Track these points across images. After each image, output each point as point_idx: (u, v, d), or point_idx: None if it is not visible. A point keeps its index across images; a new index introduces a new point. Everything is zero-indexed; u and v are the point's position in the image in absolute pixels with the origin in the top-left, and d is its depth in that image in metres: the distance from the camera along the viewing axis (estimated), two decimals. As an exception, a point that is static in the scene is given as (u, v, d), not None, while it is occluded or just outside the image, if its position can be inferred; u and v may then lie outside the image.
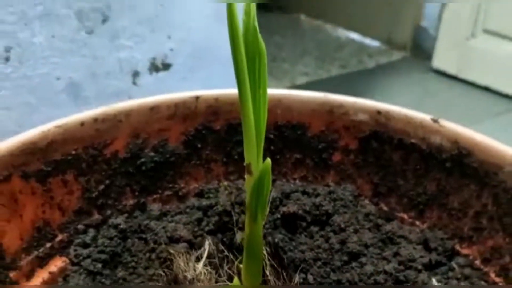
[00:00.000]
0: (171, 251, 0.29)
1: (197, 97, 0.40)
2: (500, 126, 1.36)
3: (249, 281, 0.24)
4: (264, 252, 0.29)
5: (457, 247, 0.35)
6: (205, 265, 0.26)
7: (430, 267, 0.33)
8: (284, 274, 0.30)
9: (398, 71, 1.74)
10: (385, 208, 0.40)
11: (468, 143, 0.34)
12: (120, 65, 0.57)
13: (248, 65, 0.18)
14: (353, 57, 1.89)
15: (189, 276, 0.24)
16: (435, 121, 0.36)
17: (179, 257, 0.26)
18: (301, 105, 0.41)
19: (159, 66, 0.60)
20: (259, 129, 0.20)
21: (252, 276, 0.24)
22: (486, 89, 1.56)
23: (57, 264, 0.35)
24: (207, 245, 0.27)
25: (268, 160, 0.19)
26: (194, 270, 0.24)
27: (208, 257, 0.27)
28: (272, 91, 0.41)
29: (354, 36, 2.13)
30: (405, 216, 0.39)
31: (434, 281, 0.32)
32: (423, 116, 0.36)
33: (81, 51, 0.53)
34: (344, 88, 1.56)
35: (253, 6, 0.18)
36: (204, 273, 0.25)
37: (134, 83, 0.59)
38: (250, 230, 0.23)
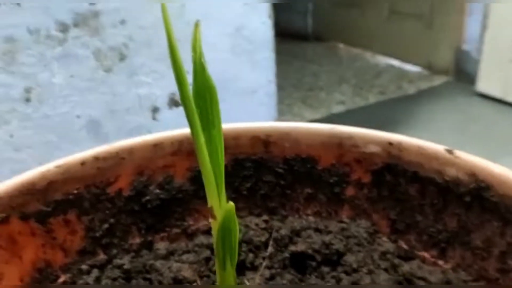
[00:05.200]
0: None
1: (202, 132, 0.39)
2: (553, 150, 1.27)
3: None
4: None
5: (482, 291, 0.32)
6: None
7: (451, 314, 0.30)
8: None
9: (441, 96, 1.68)
10: (405, 246, 0.37)
11: (486, 175, 0.31)
12: (139, 101, 0.57)
13: (199, 103, 0.17)
14: (392, 84, 1.85)
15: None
16: (450, 152, 0.33)
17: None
18: (309, 138, 0.39)
19: (179, 101, 0.61)
20: (218, 169, 0.19)
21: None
22: (536, 112, 1.48)
23: (58, 306, 0.34)
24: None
25: (231, 203, 0.17)
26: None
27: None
28: (279, 124, 0.40)
29: (394, 62, 2.08)
30: (427, 255, 0.36)
31: (453, 331, 0.29)
32: (437, 147, 0.33)
33: (99, 89, 0.54)
34: (383, 115, 1.52)
35: (199, 42, 0.17)
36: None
37: (154, 118, 0.59)
38: (221, 279, 0.21)
